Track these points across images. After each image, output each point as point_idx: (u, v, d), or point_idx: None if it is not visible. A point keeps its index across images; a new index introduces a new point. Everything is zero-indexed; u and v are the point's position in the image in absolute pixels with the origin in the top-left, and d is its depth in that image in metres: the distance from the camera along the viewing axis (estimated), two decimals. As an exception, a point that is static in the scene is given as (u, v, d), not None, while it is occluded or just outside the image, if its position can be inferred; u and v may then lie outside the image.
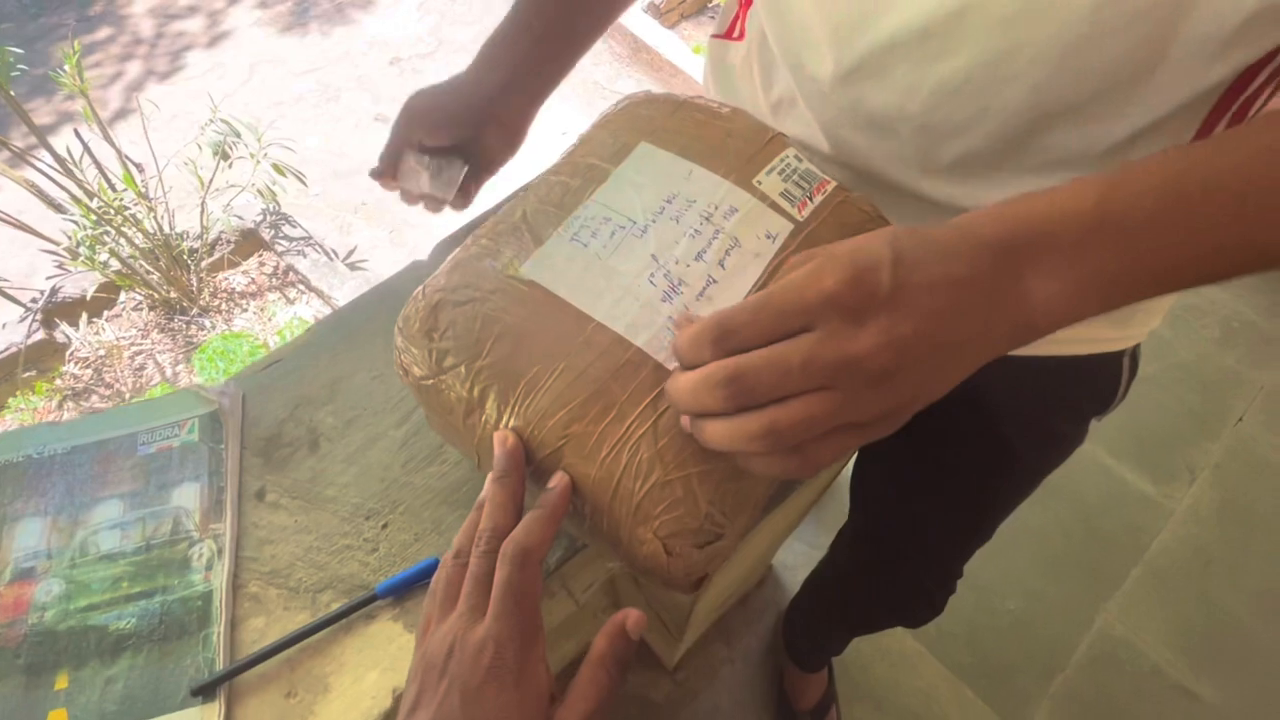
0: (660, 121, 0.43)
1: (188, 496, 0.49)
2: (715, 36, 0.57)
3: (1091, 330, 0.50)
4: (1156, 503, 1.33)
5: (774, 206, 0.39)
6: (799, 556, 1.22)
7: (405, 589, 0.46)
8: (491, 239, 0.39)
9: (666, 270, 0.37)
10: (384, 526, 0.49)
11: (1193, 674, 1.18)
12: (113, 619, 0.44)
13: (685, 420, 0.31)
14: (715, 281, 0.37)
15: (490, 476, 0.35)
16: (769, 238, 0.38)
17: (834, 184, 0.41)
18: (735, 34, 0.54)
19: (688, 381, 0.29)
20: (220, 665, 0.43)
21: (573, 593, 0.51)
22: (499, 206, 0.44)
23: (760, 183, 0.40)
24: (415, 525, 0.49)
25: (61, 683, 0.43)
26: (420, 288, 0.39)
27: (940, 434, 0.61)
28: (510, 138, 0.60)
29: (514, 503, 0.34)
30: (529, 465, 0.36)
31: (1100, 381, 0.55)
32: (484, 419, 0.36)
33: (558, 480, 0.34)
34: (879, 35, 0.39)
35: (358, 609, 0.45)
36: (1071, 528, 1.30)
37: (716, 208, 0.39)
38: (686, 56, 2.36)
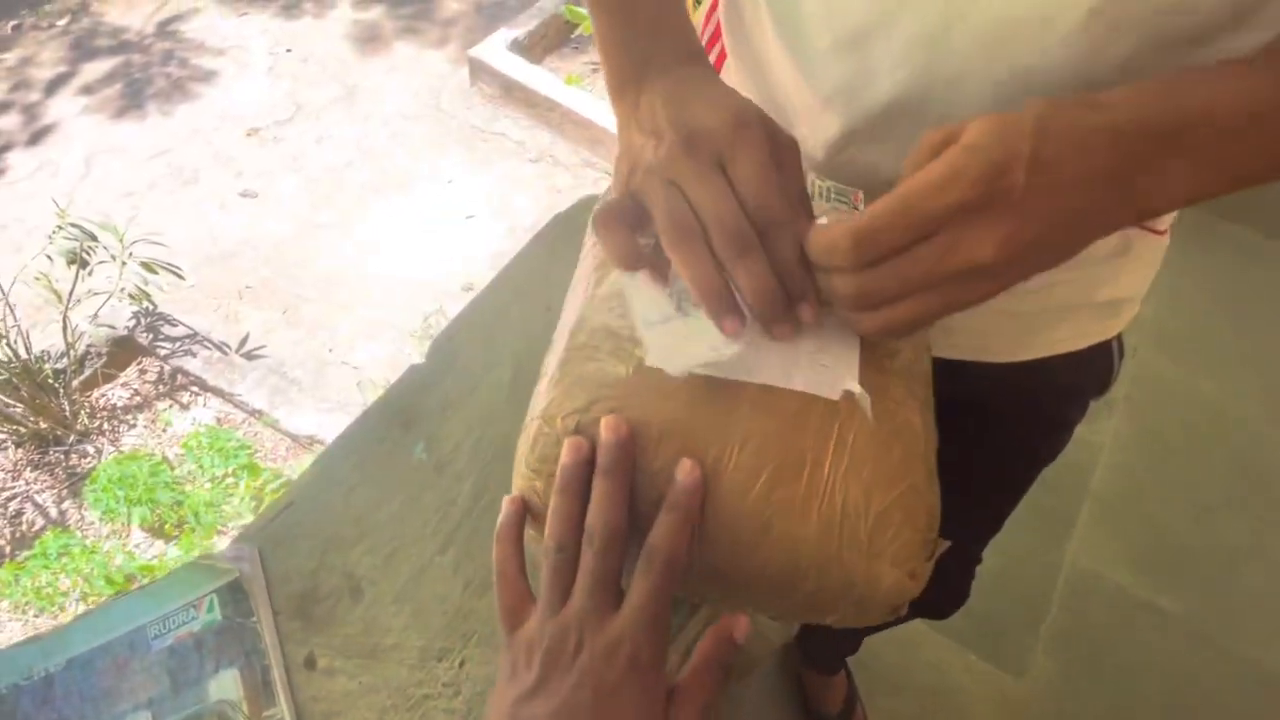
0: None
1: (227, 686, 0.43)
2: None
3: (1080, 329, 0.54)
4: (1087, 440, 1.45)
5: None
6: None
7: (507, 729, 0.42)
8: (587, 349, 0.36)
9: None
10: (461, 665, 0.44)
11: (1153, 588, 1.29)
12: None
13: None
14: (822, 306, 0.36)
15: (598, 469, 0.33)
16: None
17: (861, 192, 0.42)
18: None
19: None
20: None
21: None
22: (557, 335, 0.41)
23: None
24: (495, 652, 0.45)
25: None
26: (536, 419, 0.35)
27: (960, 434, 0.64)
28: None
29: (624, 495, 0.33)
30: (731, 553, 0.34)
31: (1098, 367, 0.58)
32: None
33: (687, 473, 0.32)
34: (876, 99, 0.39)
35: (462, 765, 0.41)
36: (1022, 480, 1.40)
37: None
38: (560, 89, 2.36)
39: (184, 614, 0.45)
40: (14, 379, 1.68)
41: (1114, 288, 0.51)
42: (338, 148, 2.39)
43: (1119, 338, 0.58)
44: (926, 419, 0.37)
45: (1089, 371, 0.58)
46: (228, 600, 0.45)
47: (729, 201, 0.31)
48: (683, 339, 0.35)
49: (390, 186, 2.32)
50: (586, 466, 0.33)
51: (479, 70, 2.49)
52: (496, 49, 2.44)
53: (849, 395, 0.33)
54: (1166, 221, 0.51)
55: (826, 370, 0.34)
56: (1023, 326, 0.52)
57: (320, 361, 1.98)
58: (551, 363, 0.37)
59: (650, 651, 0.31)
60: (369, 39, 2.68)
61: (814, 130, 0.43)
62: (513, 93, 2.43)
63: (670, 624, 0.33)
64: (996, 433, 0.61)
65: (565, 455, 0.33)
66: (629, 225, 0.33)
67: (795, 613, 0.38)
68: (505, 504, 0.36)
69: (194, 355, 1.90)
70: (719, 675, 0.33)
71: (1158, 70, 0.33)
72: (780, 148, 0.33)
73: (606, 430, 0.33)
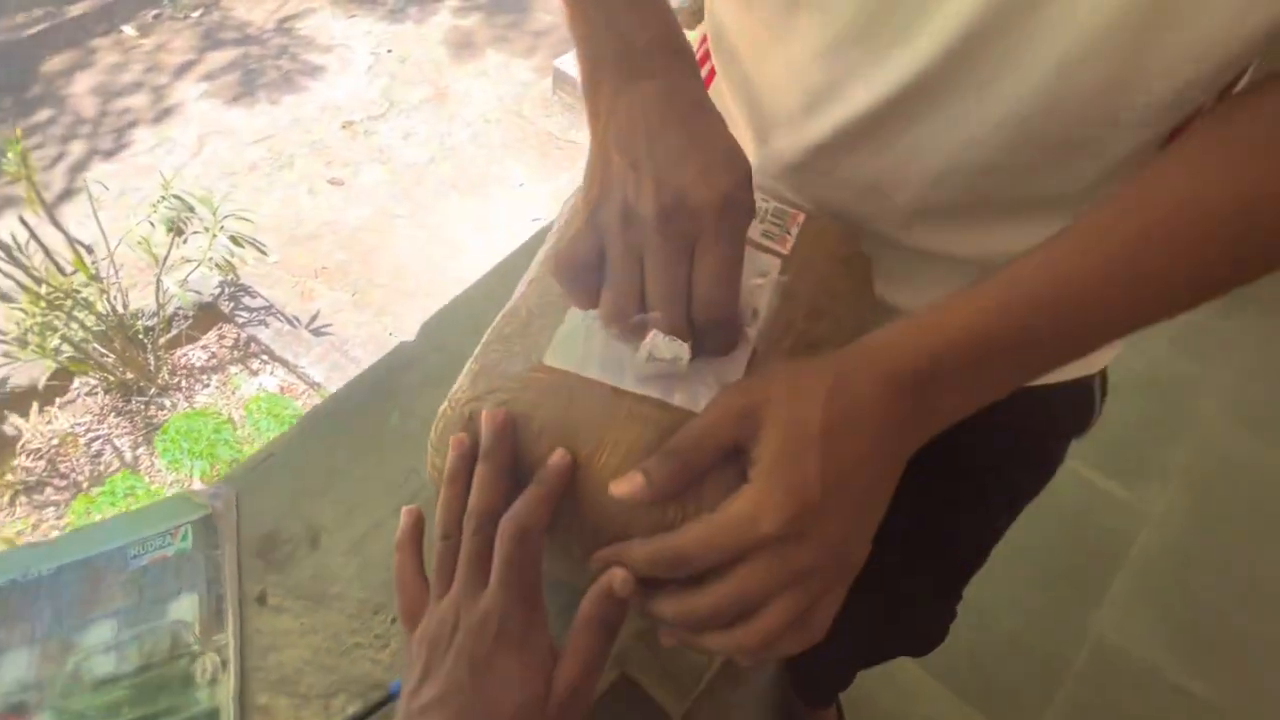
0: None
1: (186, 608, 0.47)
2: None
3: None
4: (1132, 507, 1.37)
5: (760, 248, 0.41)
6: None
7: (423, 685, 0.45)
8: (503, 341, 0.39)
9: None
10: (393, 621, 0.47)
11: (1187, 673, 1.20)
12: (114, 749, 0.42)
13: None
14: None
15: (479, 455, 0.35)
16: (762, 276, 0.40)
17: (804, 215, 0.43)
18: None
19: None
20: (234, 788, 0.41)
21: (591, 668, 0.50)
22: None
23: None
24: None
25: (62, 826, 0.40)
26: (446, 403, 0.38)
27: (936, 472, 0.63)
28: None
29: (499, 479, 0.35)
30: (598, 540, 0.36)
31: (1077, 405, 0.57)
32: None
33: (558, 457, 0.35)
34: (853, 106, 0.40)
35: (373, 711, 0.44)
36: (1054, 540, 1.33)
37: None
38: (637, 103, 2.41)
39: (161, 539, 0.49)
40: (109, 332, 1.85)
41: None
42: (422, 144, 2.52)
43: (1102, 376, 0.57)
44: None
45: (1066, 409, 0.57)
46: (200, 533, 0.50)
47: (679, 303, 0.33)
48: (590, 349, 0.37)
49: (466, 184, 2.43)
50: (470, 459, 0.35)
51: (561, 80, 2.58)
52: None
53: None
54: None
55: (706, 390, 0.35)
56: None
57: (380, 344, 2.08)
58: (478, 348, 0.39)
59: (519, 619, 0.33)
60: (463, 44, 2.82)
61: (796, 136, 0.44)
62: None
63: (542, 593, 0.34)
64: (973, 463, 0.60)
65: (451, 450, 0.36)
66: (589, 271, 0.35)
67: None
68: (403, 514, 0.39)
69: (267, 326, 2.04)
70: (601, 633, 0.33)
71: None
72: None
73: (486, 421, 0.35)
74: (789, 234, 0.42)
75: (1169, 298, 0.32)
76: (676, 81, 0.36)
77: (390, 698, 0.44)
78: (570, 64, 2.53)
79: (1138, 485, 1.38)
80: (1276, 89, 0.31)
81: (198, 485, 1.78)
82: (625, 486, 0.33)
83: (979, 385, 0.32)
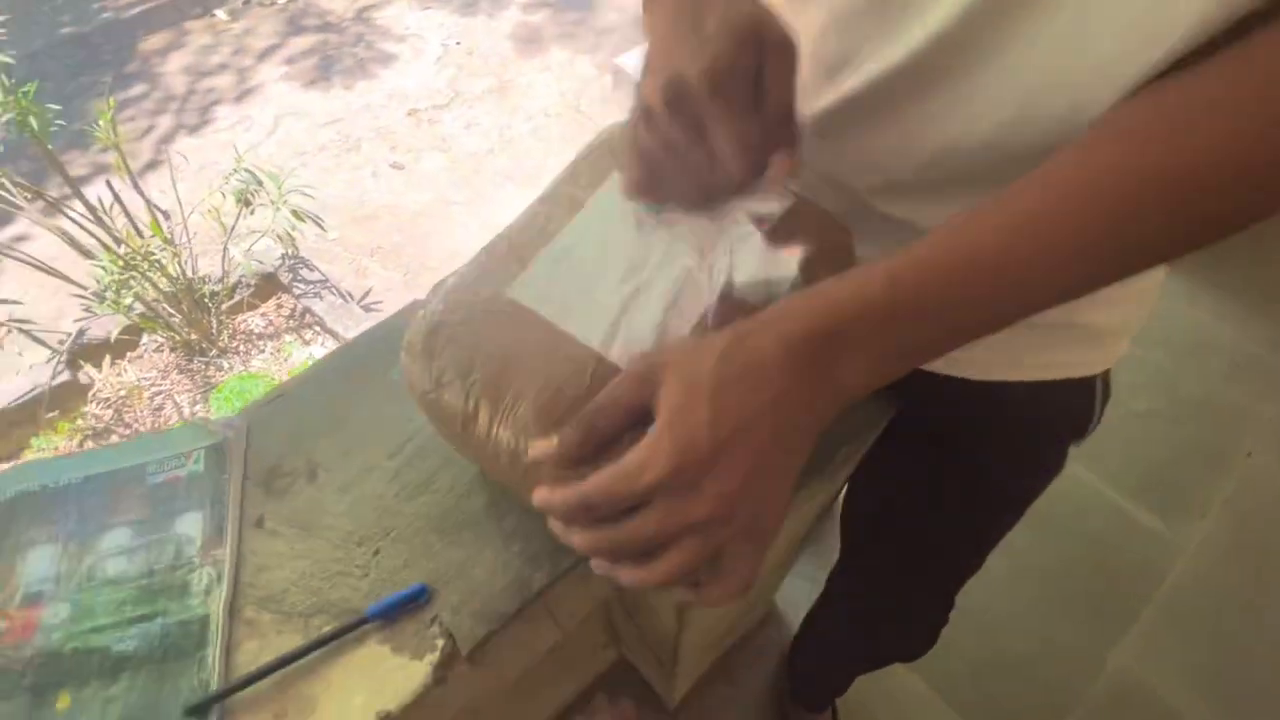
0: None
1: (191, 524, 0.51)
2: None
3: (1059, 356, 0.52)
4: (1167, 539, 1.31)
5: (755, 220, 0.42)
6: (804, 595, 1.21)
7: (394, 612, 0.48)
8: (481, 269, 0.43)
9: (636, 287, 0.40)
10: (375, 553, 0.51)
11: (1209, 717, 1.14)
12: (115, 641, 0.46)
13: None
14: (683, 292, 0.40)
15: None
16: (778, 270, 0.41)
17: (791, 196, 0.44)
18: None
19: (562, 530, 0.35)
20: (215, 687, 0.45)
21: (558, 619, 0.52)
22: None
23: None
24: (405, 551, 0.50)
25: (64, 703, 0.45)
26: (422, 312, 0.43)
27: (924, 464, 0.62)
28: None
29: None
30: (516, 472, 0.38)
31: (1074, 407, 0.56)
32: (478, 428, 0.40)
33: None
34: (863, 76, 0.42)
35: (347, 632, 0.47)
36: (1079, 565, 1.28)
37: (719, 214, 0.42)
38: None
39: (177, 461, 0.54)
40: (178, 294, 1.97)
41: (1094, 312, 0.49)
42: (483, 135, 2.60)
43: (1104, 381, 0.56)
44: None
45: (1062, 410, 0.56)
46: (211, 459, 0.54)
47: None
48: (560, 286, 0.40)
49: (522, 176, 2.49)
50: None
51: (621, 78, 2.61)
52: (640, 60, 2.55)
53: None
54: None
55: (640, 351, 0.37)
56: (995, 339, 0.50)
57: (425, 323, 2.16)
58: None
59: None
60: (530, 39, 2.89)
61: (810, 103, 0.45)
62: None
63: None
64: (967, 460, 0.60)
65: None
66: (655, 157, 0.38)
67: None
68: None
69: (321, 299, 2.14)
70: None
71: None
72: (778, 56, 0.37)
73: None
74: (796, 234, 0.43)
75: (1082, 269, 0.31)
76: None
77: (364, 620, 0.47)
78: (631, 62, 2.56)
79: (1175, 516, 1.32)
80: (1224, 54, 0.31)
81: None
82: (539, 449, 0.35)
83: (883, 351, 0.33)
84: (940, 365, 0.52)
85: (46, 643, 0.46)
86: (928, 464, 0.62)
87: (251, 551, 0.51)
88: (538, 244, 0.43)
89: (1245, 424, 1.41)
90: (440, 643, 0.47)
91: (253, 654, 0.47)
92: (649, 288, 0.40)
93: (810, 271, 0.43)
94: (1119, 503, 1.36)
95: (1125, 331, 0.53)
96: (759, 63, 0.36)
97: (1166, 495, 1.36)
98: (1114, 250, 0.30)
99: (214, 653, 0.46)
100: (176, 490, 0.53)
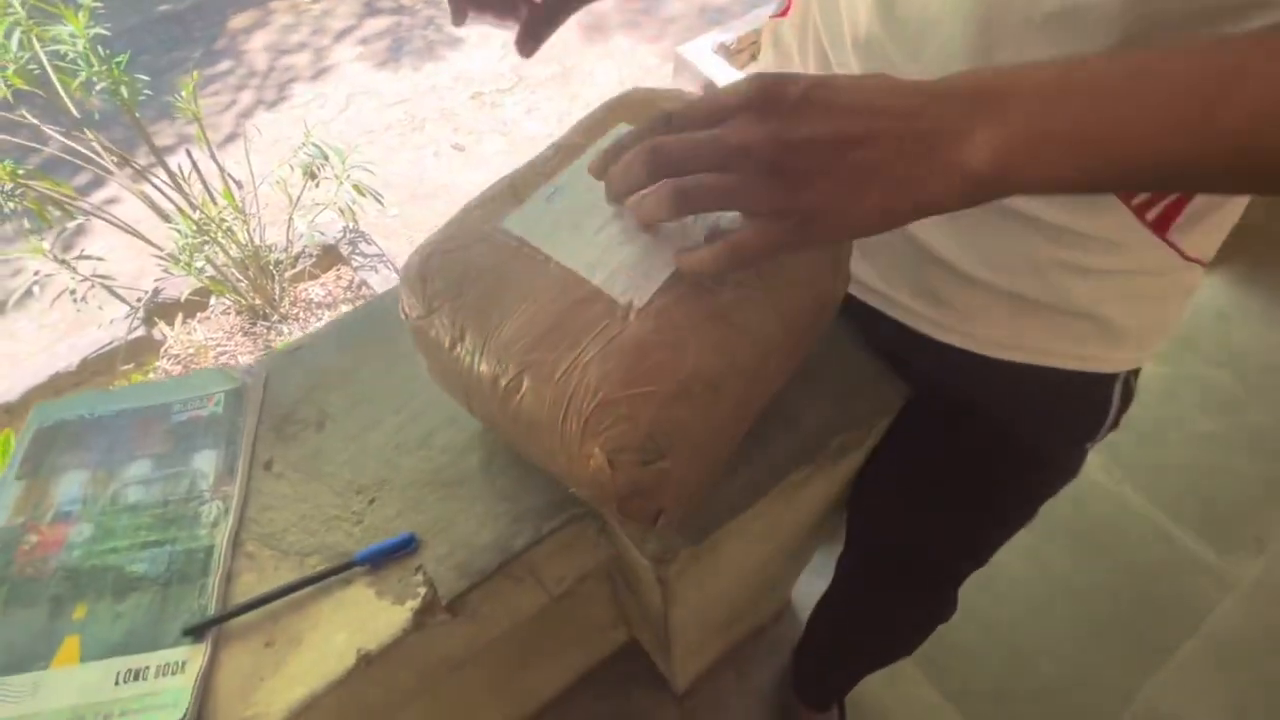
0: (638, 109, 0.47)
1: (206, 461, 0.54)
2: (772, 17, 0.61)
3: (1070, 346, 0.50)
4: (1219, 573, 1.23)
5: None
6: (820, 592, 1.19)
7: (381, 559, 0.50)
8: (483, 202, 0.45)
9: (624, 223, 0.41)
10: (371, 502, 0.53)
11: (1250, 763, 1.08)
12: (128, 562, 0.50)
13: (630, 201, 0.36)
14: (663, 225, 0.41)
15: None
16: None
17: None
18: (786, 12, 0.57)
19: (621, 163, 0.35)
20: (212, 611, 0.48)
21: (543, 582, 0.54)
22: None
23: None
24: (399, 503, 0.52)
25: (79, 613, 0.48)
26: (420, 244, 0.45)
27: (930, 454, 0.61)
28: None
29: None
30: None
31: (1089, 404, 0.54)
32: (464, 351, 0.41)
33: None
34: (855, 36, 0.41)
35: (336, 573, 0.49)
36: (1120, 592, 1.22)
37: None
38: (753, 96, 2.40)
39: (199, 402, 0.57)
40: (246, 260, 2.07)
41: (1121, 304, 0.47)
42: (543, 119, 2.63)
43: (1126, 383, 0.53)
44: (748, 364, 0.39)
45: (1076, 405, 0.54)
46: (231, 401, 0.57)
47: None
48: (551, 219, 0.41)
49: (578, 162, 2.51)
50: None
51: (682, 67, 2.61)
52: (702, 49, 2.54)
53: (630, 305, 0.37)
54: (1197, 249, 0.46)
55: (625, 280, 0.38)
56: (1014, 310, 0.49)
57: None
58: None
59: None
60: (594, 26, 2.91)
61: (855, 26, 0.45)
62: (708, 91, 2.52)
63: None
64: (974, 449, 0.58)
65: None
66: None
67: (552, 467, 0.43)
68: None
69: (377, 272, 2.21)
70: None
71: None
72: None
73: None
74: None
75: (1185, 144, 0.29)
76: None
77: (353, 563, 0.49)
78: (691, 51, 2.55)
79: (1229, 549, 1.25)
80: None
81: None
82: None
83: (1022, 125, 0.30)
84: (953, 334, 0.51)
85: (69, 558, 0.50)
86: (934, 454, 0.61)
87: (258, 491, 0.53)
88: (537, 184, 0.45)
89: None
90: (423, 591, 0.49)
91: (250, 585, 0.49)
92: (635, 225, 0.41)
93: None
94: (1169, 529, 1.29)
95: (1147, 335, 0.50)
96: None
97: (1222, 526, 1.28)
98: (1230, 146, 0.29)
99: (215, 581, 0.49)
100: (196, 429, 0.56)
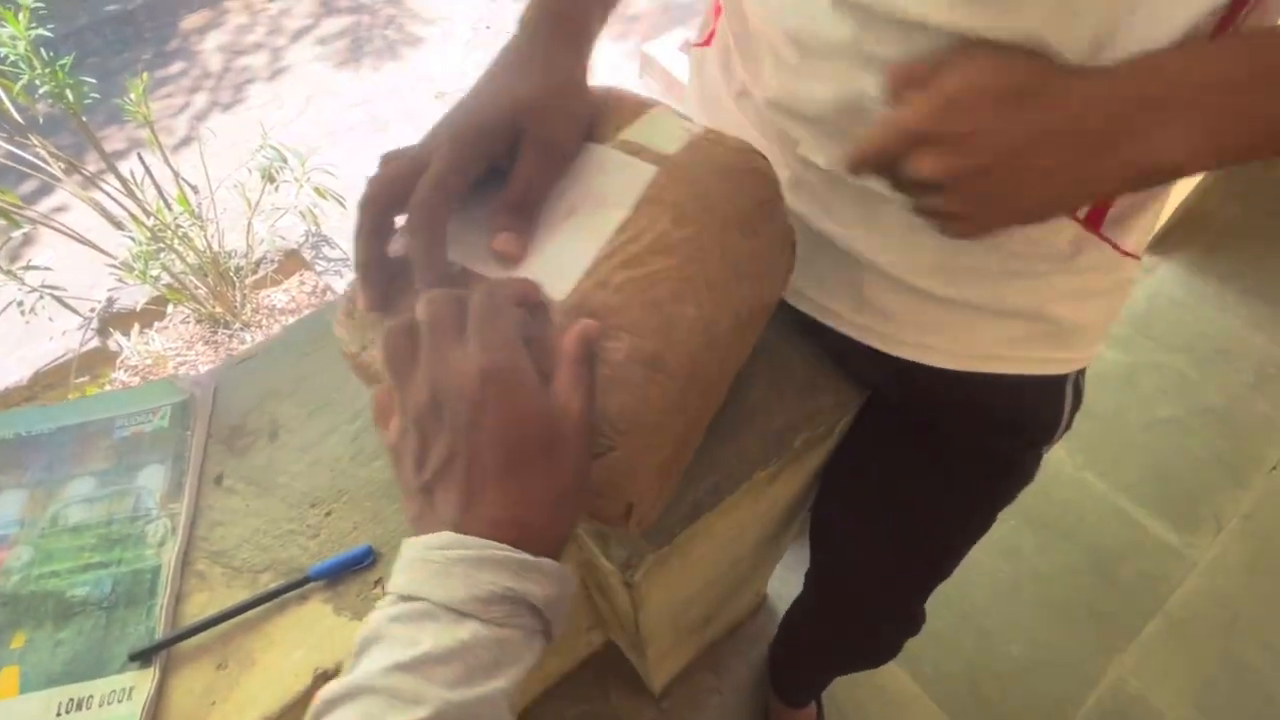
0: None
1: (152, 477, 0.52)
2: (694, 46, 0.60)
3: (1031, 350, 0.50)
4: (1179, 552, 1.26)
5: (638, 152, 0.42)
6: (794, 587, 1.20)
7: (338, 573, 0.48)
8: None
9: (546, 230, 0.40)
10: (327, 514, 0.51)
11: (1213, 737, 1.11)
12: (70, 586, 0.48)
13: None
14: (575, 213, 0.41)
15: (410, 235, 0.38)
16: (629, 177, 0.41)
17: (702, 127, 0.44)
18: (709, 41, 0.57)
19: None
20: (160, 634, 0.46)
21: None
22: None
23: (625, 135, 0.43)
24: (356, 514, 0.51)
25: (17, 642, 0.46)
26: (351, 280, 0.43)
27: (888, 462, 0.61)
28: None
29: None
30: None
31: (1041, 407, 0.54)
32: None
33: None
34: (828, 35, 0.40)
35: (291, 590, 0.47)
36: (1084, 574, 1.25)
37: (589, 163, 0.42)
38: (718, 92, 2.41)
39: (144, 416, 0.55)
40: (204, 266, 2.02)
41: (1065, 304, 0.48)
42: (507, 120, 2.61)
43: (1075, 383, 0.54)
44: (687, 340, 0.38)
45: (1029, 409, 0.54)
46: (178, 415, 0.55)
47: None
48: (473, 234, 0.40)
49: (544, 162, 2.49)
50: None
51: (648, 65, 2.60)
52: (667, 47, 2.54)
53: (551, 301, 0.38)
54: (1132, 243, 0.46)
55: (544, 276, 0.38)
56: (964, 323, 0.49)
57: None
58: None
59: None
60: (558, 26, 2.89)
61: (776, 64, 0.45)
62: (673, 90, 2.52)
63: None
64: (931, 456, 0.58)
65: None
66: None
67: None
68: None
69: (341, 277, 2.17)
70: (589, 364, 0.34)
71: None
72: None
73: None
74: (677, 143, 0.42)
75: None
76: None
77: (309, 579, 0.48)
78: (657, 49, 2.54)
79: (1189, 529, 1.28)
80: None
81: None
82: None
83: (1204, 114, 0.32)
84: (908, 348, 0.51)
85: (6, 585, 0.48)
86: (891, 463, 0.61)
87: (209, 506, 0.52)
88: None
89: (1270, 436, 1.36)
90: (382, 605, 0.47)
91: (201, 605, 0.48)
92: (557, 229, 0.40)
93: (706, 194, 0.41)
94: (1130, 512, 1.32)
95: (1094, 332, 0.51)
96: (505, 154, 0.39)
97: (1181, 507, 1.31)
98: None
99: (163, 602, 0.47)
100: (141, 444, 0.54)
